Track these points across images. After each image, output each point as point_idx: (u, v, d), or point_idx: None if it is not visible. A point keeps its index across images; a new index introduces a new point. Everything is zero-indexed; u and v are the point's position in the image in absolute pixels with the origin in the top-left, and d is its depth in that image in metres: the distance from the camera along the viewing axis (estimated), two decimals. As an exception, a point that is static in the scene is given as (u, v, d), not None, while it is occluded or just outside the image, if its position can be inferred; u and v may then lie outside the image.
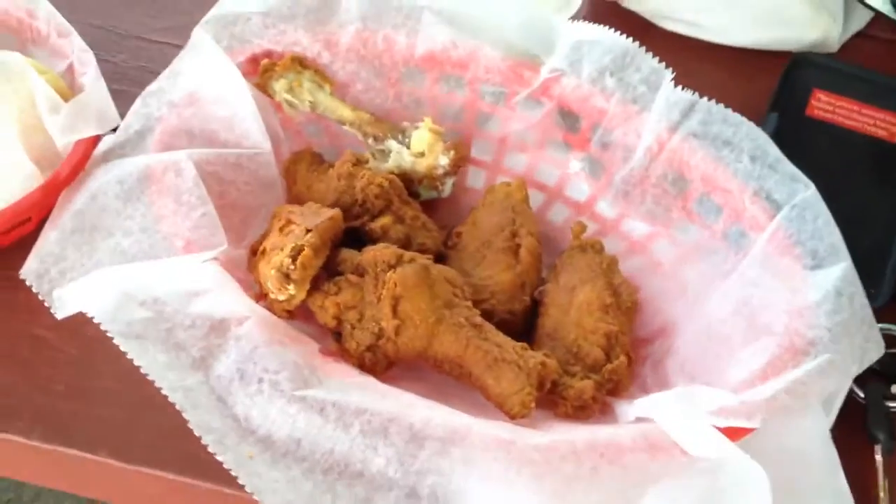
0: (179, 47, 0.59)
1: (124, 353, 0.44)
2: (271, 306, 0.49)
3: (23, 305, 0.52)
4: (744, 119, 0.54)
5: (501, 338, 0.49)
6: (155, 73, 0.58)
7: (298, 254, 0.47)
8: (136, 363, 0.43)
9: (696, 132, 0.55)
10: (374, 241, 0.53)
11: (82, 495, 0.54)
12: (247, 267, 0.52)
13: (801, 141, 0.63)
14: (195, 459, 0.47)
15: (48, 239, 0.51)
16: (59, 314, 0.47)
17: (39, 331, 0.53)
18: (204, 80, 0.56)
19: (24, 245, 0.52)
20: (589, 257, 0.55)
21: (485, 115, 0.62)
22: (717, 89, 0.57)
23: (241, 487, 0.43)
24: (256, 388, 0.43)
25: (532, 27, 0.60)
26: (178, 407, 0.42)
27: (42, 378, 0.52)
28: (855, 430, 0.52)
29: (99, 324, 0.45)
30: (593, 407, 0.49)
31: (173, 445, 0.49)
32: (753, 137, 0.53)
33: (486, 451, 0.42)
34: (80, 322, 0.48)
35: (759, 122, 0.55)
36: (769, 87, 0.67)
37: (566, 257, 0.56)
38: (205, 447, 0.43)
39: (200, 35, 0.57)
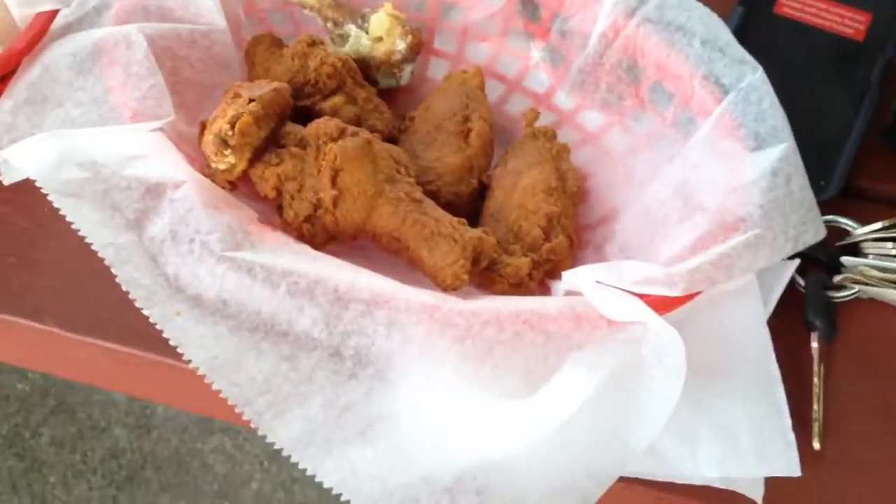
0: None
1: (70, 230, 0.45)
2: (214, 176, 0.49)
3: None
4: (699, 4, 0.54)
5: (440, 212, 0.49)
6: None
7: (238, 121, 0.48)
8: (69, 220, 0.44)
9: (651, 17, 0.54)
10: (325, 120, 0.54)
11: (31, 368, 0.56)
12: (197, 142, 0.52)
13: (767, 37, 0.62)
14: (138, 331, 0.48)
15: (1, 109, 0.51)
16: (6, 179, 0.48)
17: (-6, 205, 0.54)
18: (159, -44, 0.56)
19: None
20: (539, 144, 0.55)
21: (448, 5, 0.62)
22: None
23: (179, 356, 0.44)
24: (187, 247, 0.44)
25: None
26: (107, 262, 0.43)
27: (-5, 250, 0.53)
28: (796, 320, 0.52)
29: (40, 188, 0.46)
30: (530, 285, 0.49)
31: (117, 317, 0.50)
32: (706, 21, 0.53)
33: (409, 315, 0.42)
34: (35, 197, 0.48)
35: (727, 18, 0.54)
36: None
37: (517, 144, 0.56)
38: (144, 317, 0.44)
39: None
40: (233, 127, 0.48)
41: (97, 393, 1.32)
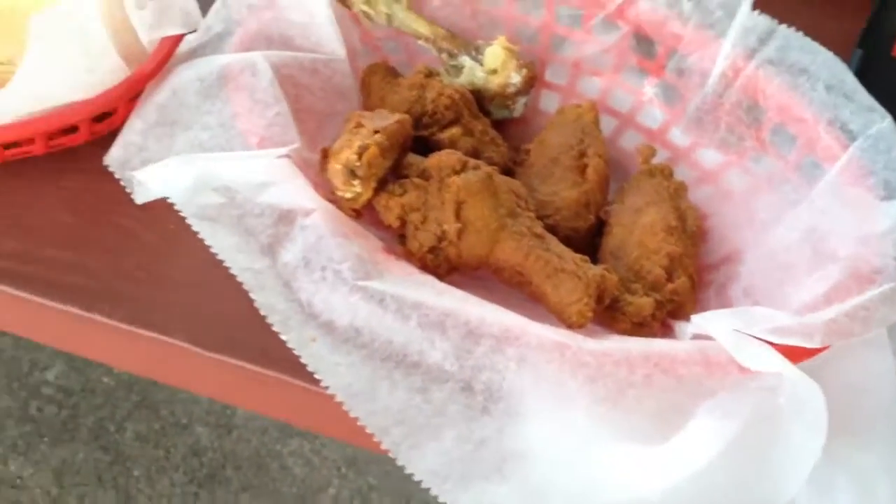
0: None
1: (202, 245, 0.46)
2: (339, 205, 0.50)
3: (109, 195, 0.54)
4: (821, 48, 0.53)
5: (562, 248, 0.49)
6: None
7: (365, 151, 0.48)
8: (207, 243, 0.45)
9: (773, 59, 0.54)
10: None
11: (158, 380, 0.56)
12: (319, 169, 0.53)
13: (886, 81, 0.61)
14: (266, 351, 0.49)
15: (132, 129, 0.53)
16: (139, 199, 0.49)
17: (124, 220, 0.55)
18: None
19: (109, 140, 0.54)
20: (657, 181, 0.55)
21: (560, 38, 0.62)
22: (805, 27, 0.56)
23: (310, 379, 0.44)
24: (320, 275, 0.44)
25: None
26: (245, 287, 0.44)
27: (125, 264, 0.53)
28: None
29: (178, 211, 0.47)
30: (652, 325, 0.49)
31: (246, 336, 0.50)
32: (830, 66, 0.52)
33: (540, 352, 0.42)
34: (162, 214, 0.49)
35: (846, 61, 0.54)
36: (858, 28, 0.66)
37: (634, 180, 0.56)
38: (276, 338, 0.44)
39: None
40: (360, 157, 0.48)
41: (180, 390, 1.33)
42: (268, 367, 0.48)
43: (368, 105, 0.58)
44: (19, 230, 0.54)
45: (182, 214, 0.46)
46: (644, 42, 0.60)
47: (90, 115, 0.53)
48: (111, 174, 0.53)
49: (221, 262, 0.46)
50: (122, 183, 0.52)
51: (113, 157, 0.52)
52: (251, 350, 0.49)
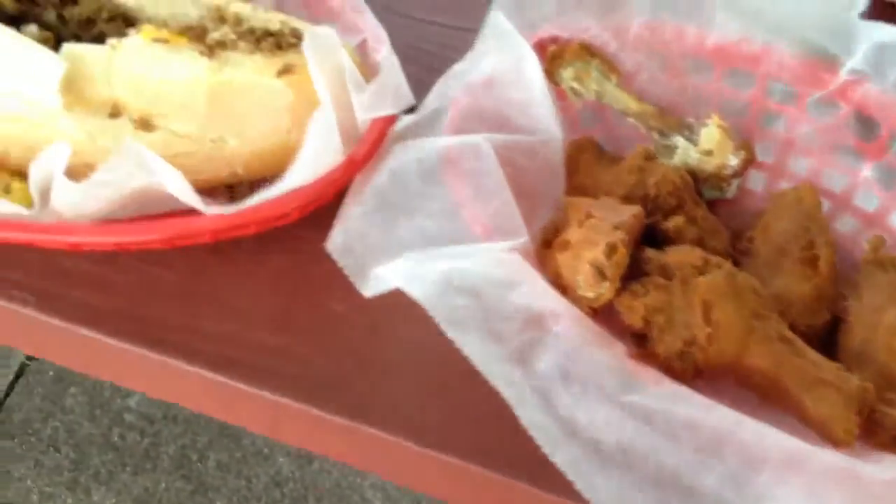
0: (445, 26, 0.59)
1: (415, 334, 0.44)
2: (577, 303, 0.47)
3: (315, 277, 0.53)
4: None
5: (816, 355, 0.47)
6: (422, 51, 0.58)
7: (613, 251, 0.46)
8: (465, 352, 0.43)
9: None
10: (667, 240, 0.52)
11: (377, 473, 0.54)
12: (536, 257, 0.50)
13: None
14: (485, 448, 0.47)
15: (351, 215, 0.51)
16: (368, 292, 0.47)
17: (332, 303, 0.53)
18: (501, 62, 0.54)
19: (314, 220, 0.52)
20: (891, 276, 0.52)
21: (770, 114, 0.59)
22: None
23: (534, 483, 0.42)
24: (580, 389, 0.42)
25: (831, 24, 0.57)
26: (509, 402, 0.42)
27: (335, 351, 0.51)
28: None
29: (386, 297, 0.46)
30: (912, 439, 0.46)
31: (464, 432, 0.48)
32: None
33: (826, 482, 0.40)
34: (370, 298, 0.47)
35: None
36: None
37: (865, 274, 0.53)
38: (493, 436, 0.42)
39: (500, 17, 0.55)
40: (608, 257, 0.46)
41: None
42: (494, 468, 0.46)
43: (575, 182, 0.56)
44: (229, 312, 0.53)
45: (434, 317, 0.44)
46: (866, 122, 0.57)
47: (308, 199, 0.51)
48: (315, 255, 0.51)
49: (433, 350, 0.44)
50: (340, 267, 0.50)
51: (334, 244, 0.50)
52: (470, 448, 0.47)
